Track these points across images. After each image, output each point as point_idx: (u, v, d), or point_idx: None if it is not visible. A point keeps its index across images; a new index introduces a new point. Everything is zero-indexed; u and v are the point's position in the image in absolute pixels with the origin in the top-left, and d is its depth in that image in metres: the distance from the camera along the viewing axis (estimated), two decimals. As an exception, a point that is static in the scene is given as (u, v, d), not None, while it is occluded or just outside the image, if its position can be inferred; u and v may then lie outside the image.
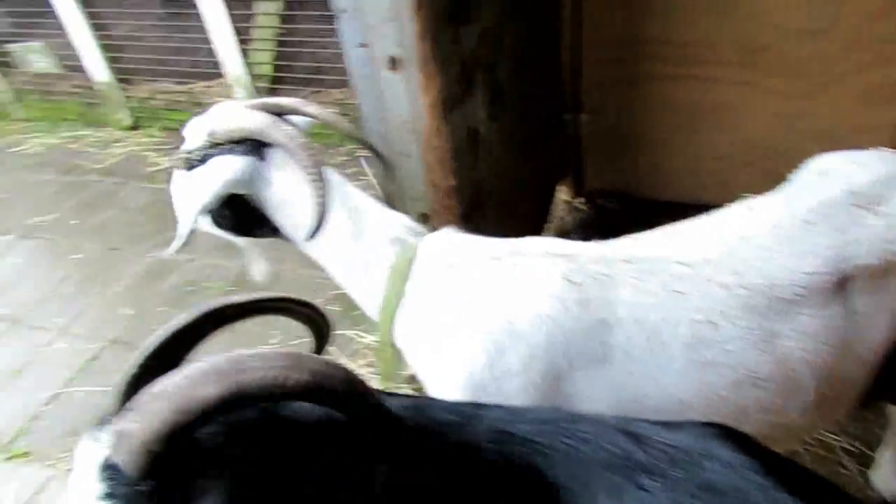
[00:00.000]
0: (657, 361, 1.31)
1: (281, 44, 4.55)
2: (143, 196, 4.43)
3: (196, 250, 3.77)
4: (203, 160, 1.44)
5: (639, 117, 3.16)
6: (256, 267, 1.72)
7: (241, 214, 1.52)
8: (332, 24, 4.30)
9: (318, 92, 4.64)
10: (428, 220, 1.87)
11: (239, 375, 0.75)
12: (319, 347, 1.15)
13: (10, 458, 2.76)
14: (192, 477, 0.79)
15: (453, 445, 0.94)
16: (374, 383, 2.82)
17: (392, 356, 1.55)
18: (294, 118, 1.53)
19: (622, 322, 1.31)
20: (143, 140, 5.04)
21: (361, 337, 3.05)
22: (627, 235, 1.50)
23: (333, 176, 1.48)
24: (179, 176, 1.48)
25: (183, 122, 5.25)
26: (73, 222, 4.28)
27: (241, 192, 1.45)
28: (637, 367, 1.31)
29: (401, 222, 1.49)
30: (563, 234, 3.37)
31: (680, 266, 1.34)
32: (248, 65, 4.50)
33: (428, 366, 1.45)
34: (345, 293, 1.49)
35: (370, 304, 1.52)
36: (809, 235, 1.31)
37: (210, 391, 0.74)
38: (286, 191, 1.45)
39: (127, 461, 0.75)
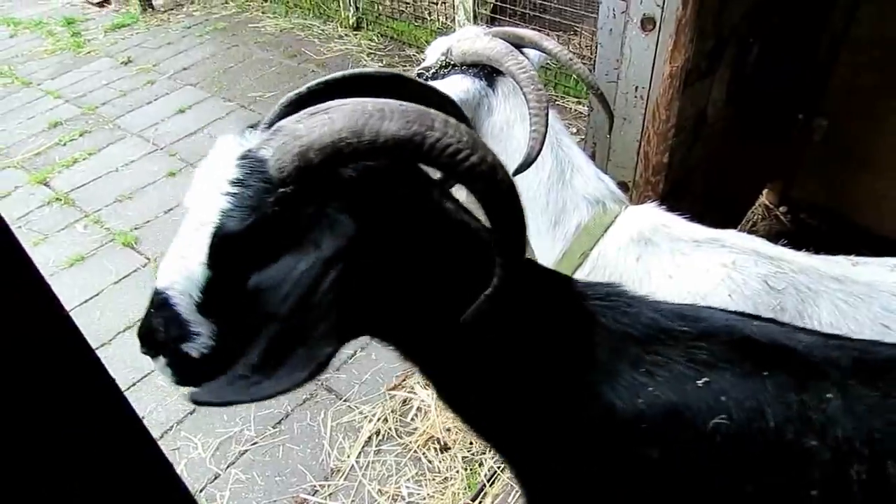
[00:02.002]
0: None
1: (512, -25, 4.49)
2: (349, 95, 4.67)
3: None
4: (435, 77, 1.47)
5: (884, 135, 2.78)
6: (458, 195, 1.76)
7: None
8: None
9: (535, 31, 4.56)
10: (627, 191, 1.80)
11: (423, 128, 0.68)
12: None
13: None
14: (324, 203, 0.74)
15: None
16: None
17: None
18: (529, 52, 1.51)
19: None
20: (362, 42, 5.27)
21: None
22: (847, 256, 1.38)
23: (553, 119, 1.46)
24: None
25: (400, 32, 5.42)
26: (285, 104, 4.64)
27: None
28: None
29: (606, 185, 1.46)
30: (753, 240, 3.12)
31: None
32: (477, -10, 4.50)
33: None
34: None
35: (547, 256, 1.51)
36: None
37: (392, 128, 0.67)
38: (505, 122, 1.46)
39: (278, 158, 0.70)
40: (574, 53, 4.31)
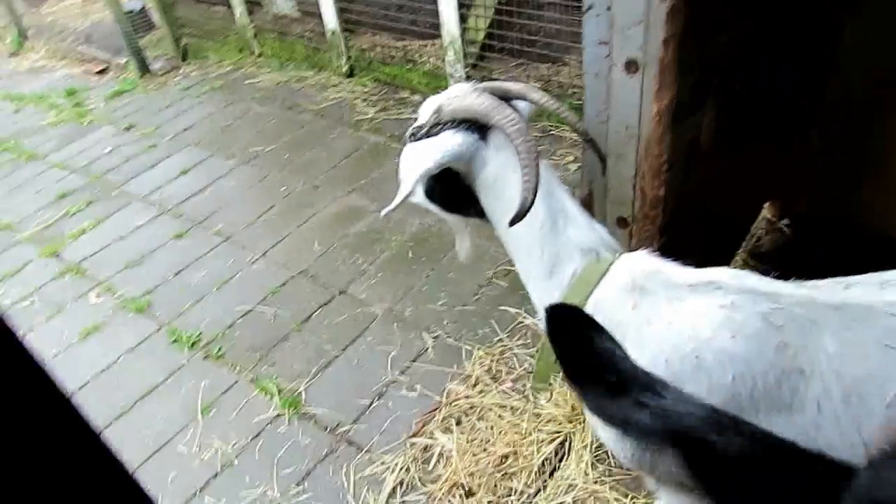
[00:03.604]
0: (851, 417, 1.21)
1: (496, 13, 4.57)
2: (347, 142, 4.74)
3: (384, 201, 3.99)
4: (429, 134, 1.50)
5: (882, 143, 2.79)
6: (462, 245, 1.78)
7: (453, 192, 1.57)
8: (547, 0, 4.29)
9: (524, 65, 4.64)
10: (626, 226, 1.81)
11: None
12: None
13: (206, 358, 3.16)
14: None
15: None
16: (526, 364, 2.81)
17: (553, 362, 1.55)
18: (519, 103, 1.55)
19: (822, 374, 1.23)
20: (356, 88, 5.37)
21: (523, 317, 3.07)
22: (836, 278, 1.39)
23: (545, 170, 1.48)
24: (407, 146, 1.56)
25: (393, 77, 5.54)
26: (285, 156, 4.71)
27: (458, 168, 1.50)
28: (828, 420, 1.22)
29: (599, 234, 1.47)
30: (757, 256, 3.12)
31: (894, 319, 1.22)
32: (464, 30, 4.58)
33: None
34: (513, 269, 1.48)
35: (545, 304, 1.52)
36: None
37: None
38: (499, 174, 1.48)
39: None
40: (563, 83, 4.38)
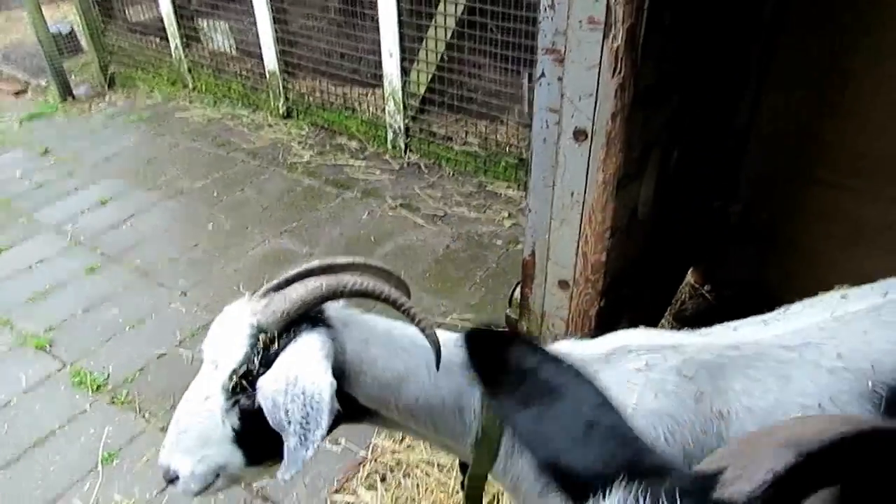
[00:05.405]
0: None
1: (438, 68, 4.65)
2: (281, 183, 4.66)
3: (316, 245, 3.93)
4: (269, 361, 1.20)
5: (794, 219, 2.99)
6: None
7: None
8: (487, 60, 4.42)
9: (462, 121, 4.73)
10: (567, 288, 1.84)
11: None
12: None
13: (112, 402, 2.94)
14: None
15: None
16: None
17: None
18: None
19: (737, 412, 1.31)
20: (292, 131, 5.31)
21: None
22: (723, 323, 1.50)
23: (372, 323, 1.39)
24: (269, 381, 1.18)
25: (331, 122, 5.43)
26: (214, 194, 4.56)
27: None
28: None
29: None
30: (682, 320, 3.24)
31: (784, 350, 1.34)
32: (406, 82, 4.64)
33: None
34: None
35: (463, 444, 1.41)
36: None
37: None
38: (359, 347, 1.31)
39: None
40: (500, 142, 4.49)
